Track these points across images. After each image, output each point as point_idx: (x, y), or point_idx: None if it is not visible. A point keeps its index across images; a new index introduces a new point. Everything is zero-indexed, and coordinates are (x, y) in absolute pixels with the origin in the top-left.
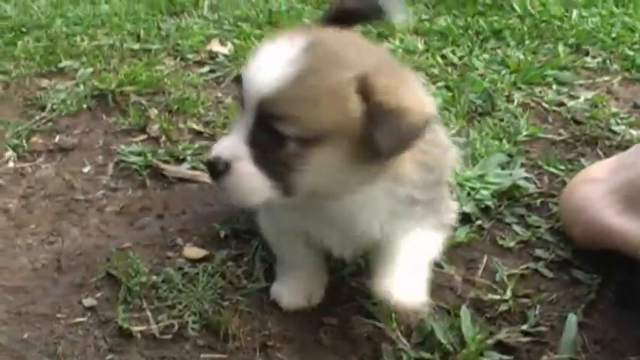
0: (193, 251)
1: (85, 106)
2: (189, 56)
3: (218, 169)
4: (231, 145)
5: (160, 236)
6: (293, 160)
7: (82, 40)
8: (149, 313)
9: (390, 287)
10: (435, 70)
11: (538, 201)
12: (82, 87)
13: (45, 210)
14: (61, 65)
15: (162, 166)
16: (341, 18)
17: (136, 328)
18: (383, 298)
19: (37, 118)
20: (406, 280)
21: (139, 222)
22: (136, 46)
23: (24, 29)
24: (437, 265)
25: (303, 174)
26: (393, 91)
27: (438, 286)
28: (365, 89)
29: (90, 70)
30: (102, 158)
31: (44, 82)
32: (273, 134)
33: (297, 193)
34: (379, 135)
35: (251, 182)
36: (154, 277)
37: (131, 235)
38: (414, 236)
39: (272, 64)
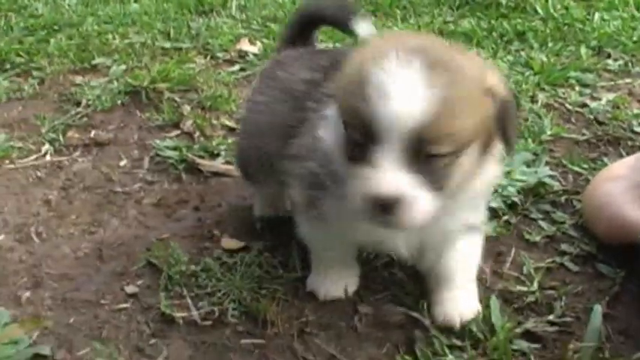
0: (231, 242)
1: (118, 102)
2: (219, 55)
3: (395, 206)
4: (396, 180)
5: (197, 228)
6: (447, 170)
7: (114, 38)
8: (189, 301)
9: (451, 311)
10: None
11: (563, 198)
12: (115, 83)
13: (84, 202)
14: (94, 62)
15: (198, 160)
16: (305, 22)
17: (178, 314)
18: (445, 323)
19: (73, 113)
20: (464, 298)
21: (177, 214)
22: (167, 45)
23: (56, 27)
24: None
25: (455, 176)
26: (501, 85)
27: None
28: (490, 91)
29: (122, 67)
30: (137, 152)
31: (78, 79)
32: (429, 157)
33: (449, 195)
34: (510, 126)
35: (425, 208)
36: (193, 267)
37: (169, 226)
38: (465, 243)
39: (409, 93)
